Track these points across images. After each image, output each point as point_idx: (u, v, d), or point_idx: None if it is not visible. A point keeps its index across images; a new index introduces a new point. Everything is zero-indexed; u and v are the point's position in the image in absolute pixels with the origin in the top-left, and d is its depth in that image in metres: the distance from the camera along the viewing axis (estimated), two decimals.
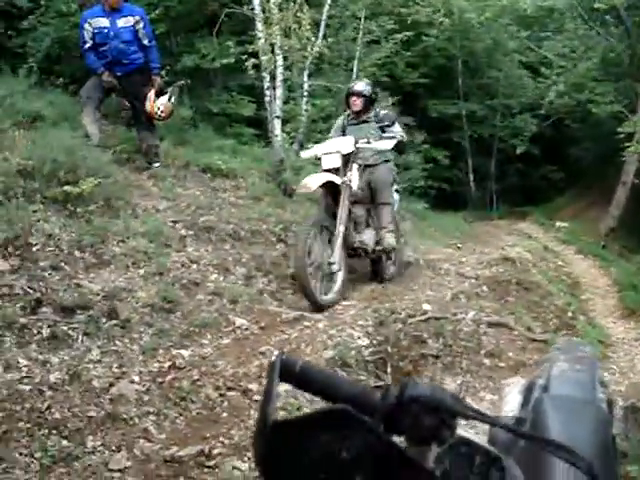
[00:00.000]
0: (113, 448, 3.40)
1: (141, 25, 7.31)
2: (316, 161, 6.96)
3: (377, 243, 6.59)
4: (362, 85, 7.11)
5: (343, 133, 6.90)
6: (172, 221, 6.35)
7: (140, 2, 8.71)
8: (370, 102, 6.96)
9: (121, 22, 7.22)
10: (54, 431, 3.37)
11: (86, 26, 7.20)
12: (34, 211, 5.27)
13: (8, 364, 3.82)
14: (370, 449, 0.85)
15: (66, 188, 5.57)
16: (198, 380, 4.19)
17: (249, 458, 3.35)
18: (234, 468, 3.31)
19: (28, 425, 3.36)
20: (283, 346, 4.85)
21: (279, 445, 0.88)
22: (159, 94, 7.41)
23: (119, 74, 7.28)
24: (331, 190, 6.20)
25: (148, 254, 5.50)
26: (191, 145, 9.07)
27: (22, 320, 4.18)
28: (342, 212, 6.08)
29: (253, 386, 4.19)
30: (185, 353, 4.49)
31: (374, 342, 4.92)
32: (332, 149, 6.32)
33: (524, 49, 20.17)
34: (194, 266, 5.78)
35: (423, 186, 16.65)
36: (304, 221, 6.42)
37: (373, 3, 14.84)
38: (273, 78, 9.18)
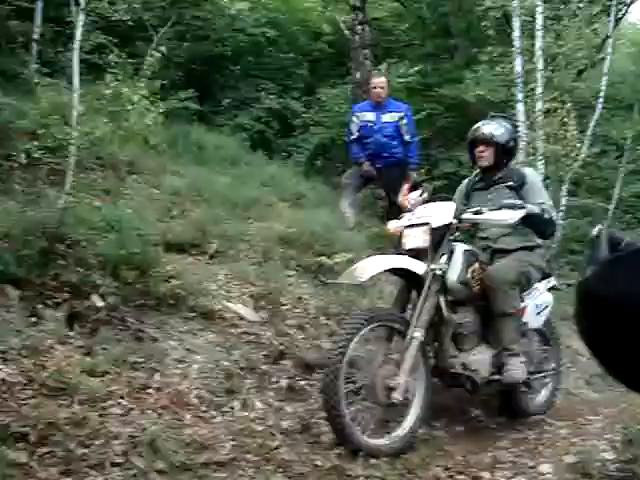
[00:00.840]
0: None
1: (404, 121, 7.58)
2: None
3: (498, 370, 4.35)
4: (493, 127, 4.64)
5: (466, 203, 4.78)
6: None
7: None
8: (505, 154, 4.65)
9: (386, 117, 7.56)
10: (280, 469, 3.36)
11: (354, 119, 7.66)
12: (288, 275, 5.54)
13: (245, 404, 3.94)
14: None
15: (320, 259, 5.79)
16: (427, 457, 4.00)
17: None
18: None
19: (255, 458, 3.38)
20: (520, 444, 4.52)
21: (624, 281, 0.71)
22: (412, 189, 7.53)
23: (379, 166, 7.55)
24: (412, 280, 4.18)
25: None
26: None
27: (264, 367, 4.33)
28: (422, 312, 3.95)
29: (484, 474, 3.92)
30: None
31: (621, 459, 4.41)
32: (420, 219, 4.35)
33: None
34: None
35: None
36: (352, 310, 4.61)
37: None
38: None
